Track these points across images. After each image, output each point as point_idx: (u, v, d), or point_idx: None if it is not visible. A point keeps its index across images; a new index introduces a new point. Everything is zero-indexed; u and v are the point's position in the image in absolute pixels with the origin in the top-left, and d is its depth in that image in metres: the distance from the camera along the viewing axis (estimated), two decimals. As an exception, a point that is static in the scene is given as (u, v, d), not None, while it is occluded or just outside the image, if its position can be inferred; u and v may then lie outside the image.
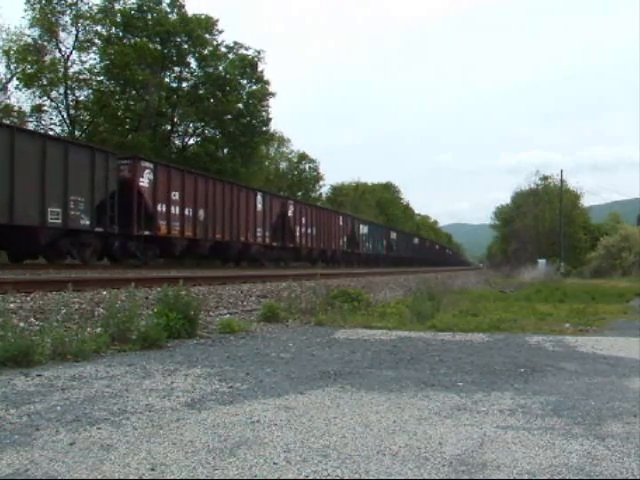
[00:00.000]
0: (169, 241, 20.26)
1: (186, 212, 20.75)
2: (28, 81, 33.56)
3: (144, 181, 18.85)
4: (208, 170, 30.14)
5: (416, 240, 63.13)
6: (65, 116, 35.46)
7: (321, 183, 63.15)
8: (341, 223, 37.09)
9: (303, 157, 60.97)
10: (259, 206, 25.97)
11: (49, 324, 5.66)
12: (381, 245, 46.40)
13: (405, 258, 54.51)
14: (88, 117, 36.50)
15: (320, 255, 33.54)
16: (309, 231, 31.13)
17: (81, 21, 34.91)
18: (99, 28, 35.48)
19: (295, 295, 10.12)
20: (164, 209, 19.63)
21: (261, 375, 4.63)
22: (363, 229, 41.35)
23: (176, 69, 38.01)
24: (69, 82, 34.86)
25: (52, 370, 4.65)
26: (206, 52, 37.48)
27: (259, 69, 39.13)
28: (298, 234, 29.72)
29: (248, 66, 38.37)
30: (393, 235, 51.14)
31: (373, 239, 43.73)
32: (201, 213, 21.69)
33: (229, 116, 37.71)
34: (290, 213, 29.03)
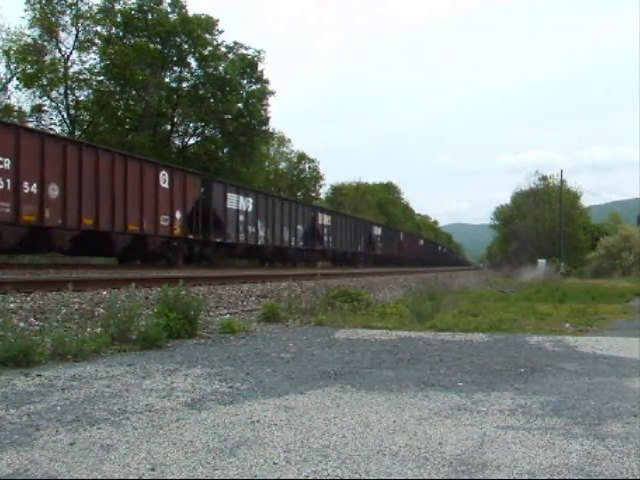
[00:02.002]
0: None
1: None
2: (28, 81, 33.58)
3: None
4: (207, 169, 29.98)
5: (378, 230, 44.31)
6: (65, 116, 35.51)
7: (321, 183, 63.20)
8: (165, 184, 19.21)
9: (303, 157, 60.98)
10: None
11: (49, 324, 5.67)
12: (294, 233, 29.12)
13: (355, 254, 38.29)
14: (88, 117, 36.53)
15: (99, 241, 17.06)
16: (55, 193, 15.11)
17: (81, 21, 34.95)
18: (99, 28, 35.53)
19: (295, 295, 10.12)
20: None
21: (261, 375, 4.63)
22: (240, 203, 24.02)
23: (176, 69, 38.00)
24: (69, 82, 34.89)
25: (52, 370, 4.65)
26: (206, 52, 37.47)
27: (259, 69, 39.18)
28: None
29: (248, 66, 38.37)
30: (325, 219, 33.51)
31: (272, 223, 26.65)
32: None
33: (229, 116, 37.71)
34: None
